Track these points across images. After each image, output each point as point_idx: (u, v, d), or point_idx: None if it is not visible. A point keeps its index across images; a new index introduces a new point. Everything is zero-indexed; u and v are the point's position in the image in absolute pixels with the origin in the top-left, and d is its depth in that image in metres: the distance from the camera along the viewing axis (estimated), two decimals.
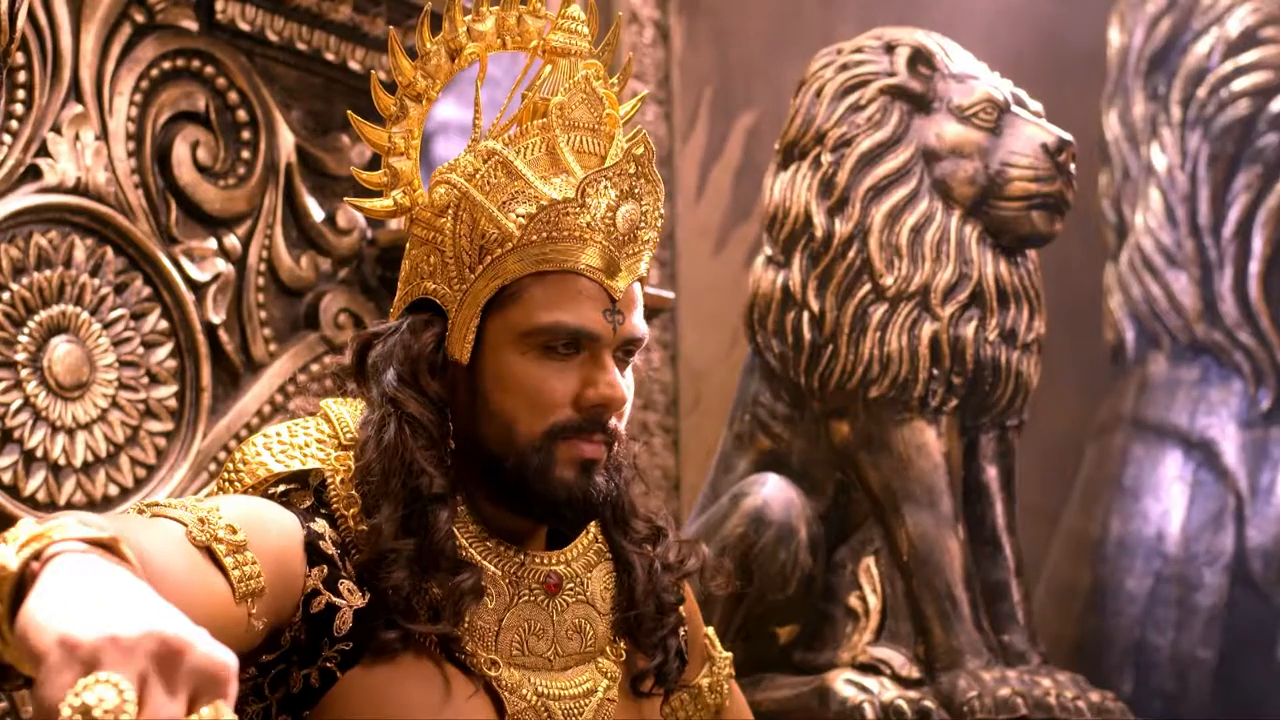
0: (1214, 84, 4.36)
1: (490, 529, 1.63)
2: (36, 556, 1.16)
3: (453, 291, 1.61)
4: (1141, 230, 4.45)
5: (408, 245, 1.69)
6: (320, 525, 1.56)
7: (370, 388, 1.62)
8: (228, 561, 1.43)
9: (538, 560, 1.64)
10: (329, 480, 1.60)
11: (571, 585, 1.66)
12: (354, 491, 1.58)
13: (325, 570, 1.54)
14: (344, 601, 1.53)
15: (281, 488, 1.63)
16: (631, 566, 1.70)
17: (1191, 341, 4.38)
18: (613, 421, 1.61)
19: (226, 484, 1.64)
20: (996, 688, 2.52)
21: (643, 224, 1.62)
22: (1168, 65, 4.45)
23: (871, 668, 2.59)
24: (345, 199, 1.76)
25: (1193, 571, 4.24)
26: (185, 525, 1.42)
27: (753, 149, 4.23)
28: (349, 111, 1.72)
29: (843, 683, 2.55)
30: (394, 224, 2.89)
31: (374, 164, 1.74)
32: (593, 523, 1.69)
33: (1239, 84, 4.34)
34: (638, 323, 1.63)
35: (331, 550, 1.55)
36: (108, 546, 1.18)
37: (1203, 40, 4.40)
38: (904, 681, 2.57)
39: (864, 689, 2.53)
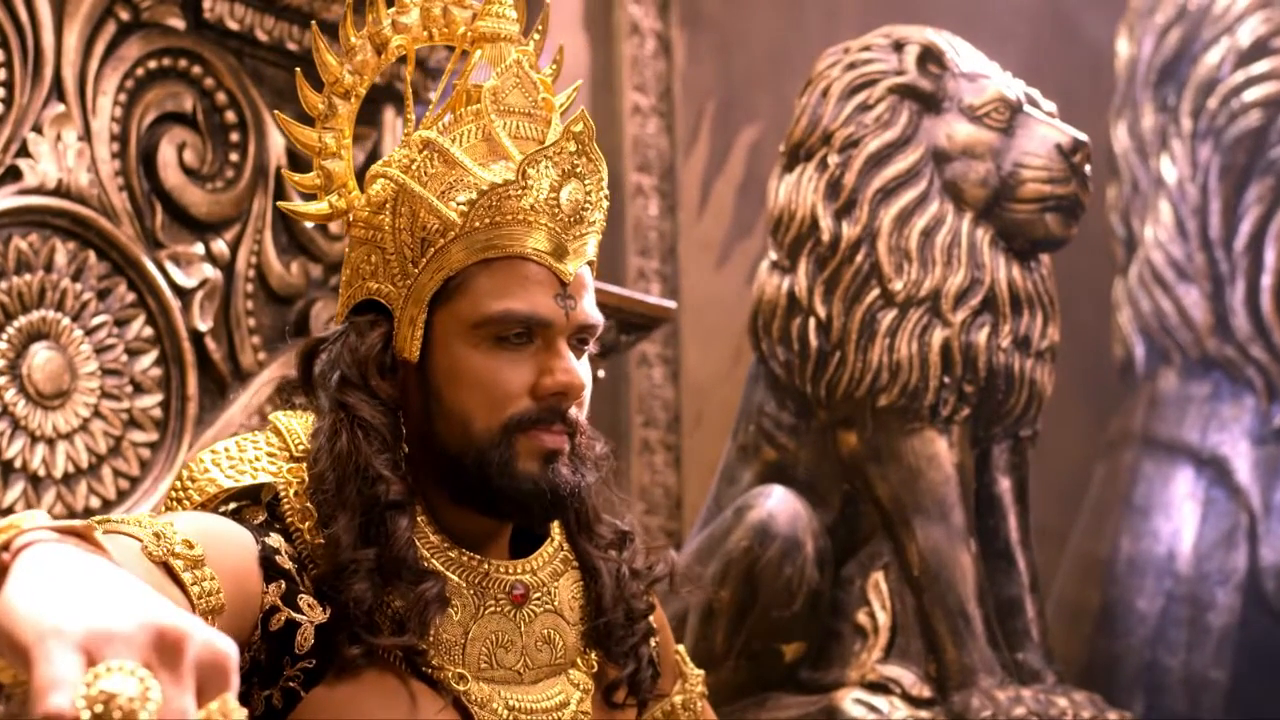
0: (1225, 95, 4.35)
1: (452, 538, 1.60)
2: (6, 547, 1.11)
3: (397, 289, 1.58)
4: (1151, 244, 4.44)
5: (347, 248, 1.66)
6: (275, 540, 1.53)
7: (318, 396, 1.59)
8: (186, 577, 1.39)
9: (503, 570, 1.61)
10: (281, 494, 1.57)
11: (539, 595, 1.63)
12: (308, 504, 1.55)
13: (283, 585, 1.50)
14: (304, 617, 1.50)
15: (232, 504, 1.59)
16: (598, 573, 1.67)
17: (1202, 357, 4.38)
18: (573, 411, 1.58)
19: (175, 502, 1.60)
20: (1011, 707, 2.51)
21: (587, 205, 1.59)
22: (1178, 76, 4.44)
23: (881, 687, 2.57)
24: (278, 204, 1.72)
25: (1204, 591, 4.23)
26: (141, 541, 1.38)
27: (755, 163, 4.21)
28: (275, 112, 1.69)
29: (851, 702, 2.53)
30: None
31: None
32: (558, 531, 1.67)
33: (1250, 95, 4.33)
34: (590, 309, 1.60)
35: (288, 565, 1.51)
36: (82, 536, 1.14)
37: (1213, 50, 4.39)
38: (915, 701, 2.55)
39: (873, 709, 2.52)
